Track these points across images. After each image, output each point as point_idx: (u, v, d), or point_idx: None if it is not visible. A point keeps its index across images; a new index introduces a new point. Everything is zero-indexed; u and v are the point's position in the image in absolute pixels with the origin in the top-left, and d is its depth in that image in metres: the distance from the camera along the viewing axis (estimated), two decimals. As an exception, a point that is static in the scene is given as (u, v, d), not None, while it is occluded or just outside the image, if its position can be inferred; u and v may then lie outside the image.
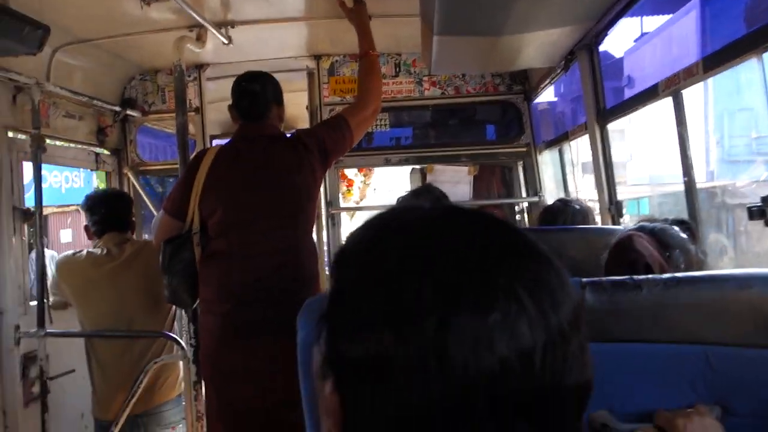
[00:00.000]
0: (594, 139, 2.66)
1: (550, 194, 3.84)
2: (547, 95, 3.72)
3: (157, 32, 3.14)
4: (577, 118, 3.13)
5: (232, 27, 3.04)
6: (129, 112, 3.85)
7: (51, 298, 2.98)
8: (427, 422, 0.50)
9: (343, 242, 0.61)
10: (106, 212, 3.02)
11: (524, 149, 3.88)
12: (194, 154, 2.64)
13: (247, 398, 2.39)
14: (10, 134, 2.93)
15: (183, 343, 2.73)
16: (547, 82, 3.37)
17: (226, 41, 3.02)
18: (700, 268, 1.51)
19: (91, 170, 3.91)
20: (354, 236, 0.60)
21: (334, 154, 2.63)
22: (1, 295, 2.85)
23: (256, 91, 2.56)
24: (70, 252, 3.01)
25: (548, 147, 3.70)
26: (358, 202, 5.94)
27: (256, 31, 3.24)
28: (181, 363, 2.91)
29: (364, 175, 6.19)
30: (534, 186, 3.88)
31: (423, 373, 0.49)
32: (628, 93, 2.37)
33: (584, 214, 2.61)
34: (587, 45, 2.56)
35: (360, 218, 6.41)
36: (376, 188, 6.01)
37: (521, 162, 3.97)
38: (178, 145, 2.64)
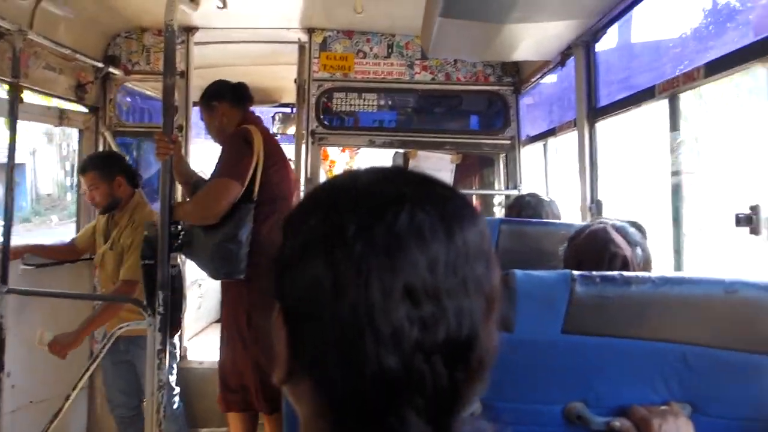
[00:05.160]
0: (582, 137, 2.67)
1: (530, 188, 3.86)
2: (537, 89, 3.72)
3: (148, -12, 3.06)
4: (564, 115, 3.14)
5: (229, -10, 2.96)
6: (111, 69, 3.75)
7: None
8: (357, 334, 0.55)
9: None
10: None
11: (508, 142, 3.89)
12: (239, 130, 2.91)
13: None
14: (-14, 81, 2.83)
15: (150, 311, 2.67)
16: (538, 76, 3.37)
17: (221, 5, 2.95)
18: (650, 268, 1.54)
19: (55, 126, 3.78)
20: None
21: None
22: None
23: None
24: None
25: (532, 141, 3.71)
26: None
27: (252, -3, 3.17)
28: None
29: (349, 157, 6.13)
30: (515, 179, 3.89)
31: (350, 289, 0.55)
32: (622, 93, 2.42)
33: (536, 208, 2.47)
34: (585, 41, 2.56)
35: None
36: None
37: (504, 154, 3.98)
38: (164, 108, 2.57)
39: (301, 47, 3.86)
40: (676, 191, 1.94)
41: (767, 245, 1.48)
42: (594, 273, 1.18)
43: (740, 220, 1.48)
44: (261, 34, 3.79)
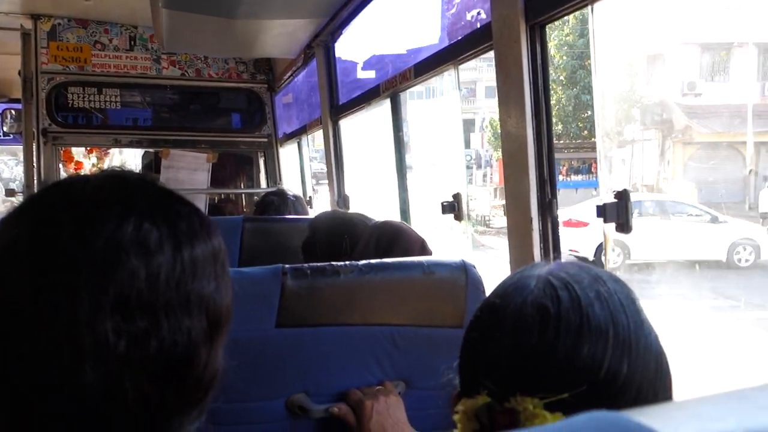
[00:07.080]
0: (327, 134, 2.75)
1: (290, 185, 3.91)
2: (291, 88, 3.76)
3: None
4: (314, 113, 3.24)
5: None
6: None
7: None
8: (54, 347, 0.50)
9: None
10: None
11: (266, 140, 3.88)
12: None
13: None
14: None
15: None
16: (289, 75, 3.40)
17: None
18: None
19: None
20: None
21: None
22: None
23: None
24: None
25: (288, 139, 3.75)
26: (87, 186, 5.34)
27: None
28: None
29: (98, 158, 5.60)
30: (274, 177, 3.90)
31: (52, 297, 0.50)
32: (359, 92, 2.61)
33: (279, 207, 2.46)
34: (324, 41, 2.63)
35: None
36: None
37: (262, 152, 3.97)
38: None
39: (25, 35, 3.43)
40: (402, 184, 2.09)
41: (468, 230, 1.66)
42: (305, 265, 1.21)
43: (445, 208, 1.63)
44: (-31, 18, 3.29)
